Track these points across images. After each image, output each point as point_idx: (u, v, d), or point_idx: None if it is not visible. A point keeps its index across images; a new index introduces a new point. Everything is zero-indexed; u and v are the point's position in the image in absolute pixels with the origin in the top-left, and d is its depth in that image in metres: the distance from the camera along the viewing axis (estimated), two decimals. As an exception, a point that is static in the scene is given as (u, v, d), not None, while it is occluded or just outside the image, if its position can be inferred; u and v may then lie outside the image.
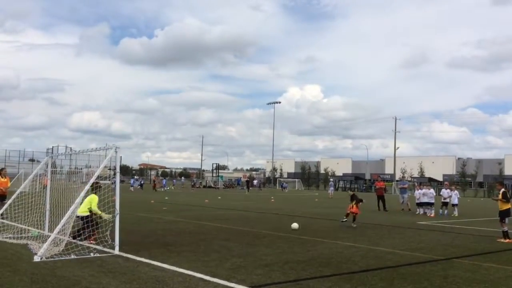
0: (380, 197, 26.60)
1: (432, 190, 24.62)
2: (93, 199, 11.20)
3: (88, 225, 10.82)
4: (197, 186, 72.26)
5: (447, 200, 24.15)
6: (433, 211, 23.37)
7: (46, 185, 13.25)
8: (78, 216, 10.87)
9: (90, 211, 11.00)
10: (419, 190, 25.15)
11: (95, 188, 11.30)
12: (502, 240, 13.42)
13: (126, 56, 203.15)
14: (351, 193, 18.22)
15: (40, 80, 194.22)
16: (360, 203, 17.20)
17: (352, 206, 16.92)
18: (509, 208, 13.75)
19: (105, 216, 10.90)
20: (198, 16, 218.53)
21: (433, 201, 23.75)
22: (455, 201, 24.24)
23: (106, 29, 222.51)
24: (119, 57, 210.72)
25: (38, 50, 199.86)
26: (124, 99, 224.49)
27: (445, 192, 24.47)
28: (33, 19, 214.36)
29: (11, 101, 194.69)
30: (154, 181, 64.79)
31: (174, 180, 68.09)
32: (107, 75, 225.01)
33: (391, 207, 27.19)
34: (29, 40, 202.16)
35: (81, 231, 10.96)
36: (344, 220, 16.89)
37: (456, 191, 25.06)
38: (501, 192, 13.86)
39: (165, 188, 56.34)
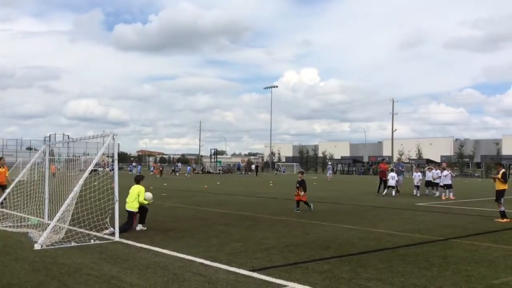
0: (383, 180, 26.63)
1: (445, 172, 23.42)
2: (142, 191, 11.30)
3: (128, 222, 10.98)
4: (196, 171, 72.44)
5: (437, 180, 23.98)
6: (447, 193, 22.72)
7: (54, 173, 13.37)
8: (127, 211, 11.09)
9: (138, 208, 11.19)
10: (418, 173, 25.16)
11: (141, 180, 11.68)
12: (500, 220, 13.51)
13: (121, 42, 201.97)
14: (301, 177, 16.44)
15: (35, 68, 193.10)
16: (304, 192, 15.95)
17: (298, 193, 15.90)
18: (505, 189, 13.83)
19: (146, 201, 11.40)
20: (192, 0, 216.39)
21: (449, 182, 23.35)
22: (446, 182, 23.94)
23: (100, 15, 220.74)
24: (113, 44, 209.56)
25: (32, 37, 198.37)
26: (120, 85, 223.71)
27: (434, 172, 24.33)
28: (27, 6, 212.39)
29: (7, 90, 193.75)
30: (155, 167, 65.04)
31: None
32: (103, 62, 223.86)
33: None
34: (23, 27, 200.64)
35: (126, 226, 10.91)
36: (298, 210, 15.77)
37: (445, 171, 23.45)
38: (501, 172, 13.92)
39: (186, 175, 57.53)
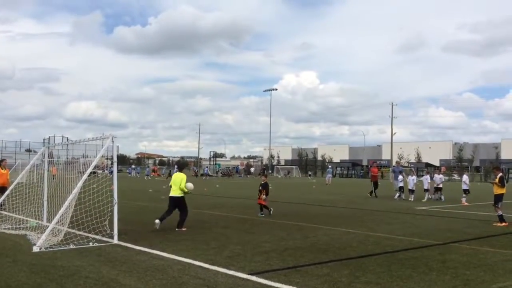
0: (374, 183, 26.83)
1: (464, 177, 23.53)
2: (184, 178, 11.94)
3: (182, 209, 11.94)
4: (193, 175, 72.29)
5: (440, 185, 23.98)
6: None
7: (55, 175, 13.40)
8: (171, 197, 11.93)
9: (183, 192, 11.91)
10: (413, 177, 24.99)
11: (184, 166, 12.02)
12: (498, 224, 13.51)
13: (121, 44, 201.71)
14: (264, 180, 15.68)
15: (35, 69, 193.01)
16: (266, 195, 15.29)
17: (260, 197, 15.29)
18: (503, 193, 13.84)
19: (186, 189, 11.92)
20: (192, 3, 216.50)
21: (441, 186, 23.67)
22: (426, 186, 23.97)
23: (100, 17, 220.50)
24: (113, 46, 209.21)
25: (32, 39, 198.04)
26: (120, 88, 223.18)
27: (437, 177, 24.35)
28: (26, 8, 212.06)
29: (7, 92, 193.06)
30: (154, 170, 65.07)
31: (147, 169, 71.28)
32: (102, 64, 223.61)
33: (388, 193, 27.30)
34: (23, 29, 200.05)
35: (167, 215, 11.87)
36: (262, 215, 15.16)
37: (464, 176, 23.64)
38: (498, 176, 13.94)
39: (206, 178, 58.00)
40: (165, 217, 11.84)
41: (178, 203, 12.02)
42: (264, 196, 15.28)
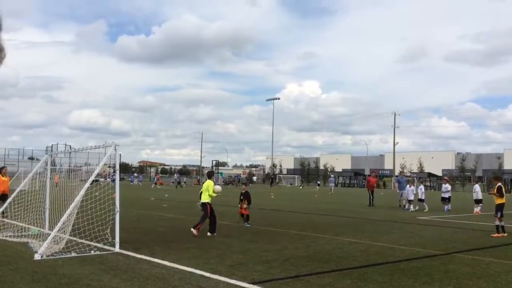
0: (371, 192, 26.97)
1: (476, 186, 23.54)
2: (211, 185, 12.67)
3: (204, 213, 12.61)
4: (195, 183, 72.00)
5: (447, 195, 23.91)
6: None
7: (57, 182, 13.48)
8: (202, 203, 12.80)
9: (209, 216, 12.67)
10: (411, 187, 24.90)
11: (212, 175, 13.92)
12: (501, 234, 13.43)
13: (124, 53, 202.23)
14: (245, 189, 15.71)
15: (39, 78, 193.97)
16: (249, 204, 15.27)
17: (242, 206, 15.24)
18: (503, 203, 13.76)
19: (215, 193, 12.76)
20: (195, 13, 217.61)
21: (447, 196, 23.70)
22: (421, 196, 23.89)
23: (104, 26, 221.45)
24: (117, 55, 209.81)
25: (36, 48, 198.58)
26: (123, 96, 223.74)
27: (444, 187, 24.33)
28: (31, 17, 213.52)
29: (10, 99, 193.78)
30: (158, 178, 65.03)
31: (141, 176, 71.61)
32: (106, 72, 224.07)
33: (391, 203, 27.20)
34: (27, 38, 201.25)
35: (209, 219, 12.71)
36: (248, 224, 15.09)
37: (477, 186, 23.73)
38: (496, 186, 13.90)
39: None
40: (212, 225, 12.71)
41: (204, 207, 12.74)
42: (245, 205, 15.26)
